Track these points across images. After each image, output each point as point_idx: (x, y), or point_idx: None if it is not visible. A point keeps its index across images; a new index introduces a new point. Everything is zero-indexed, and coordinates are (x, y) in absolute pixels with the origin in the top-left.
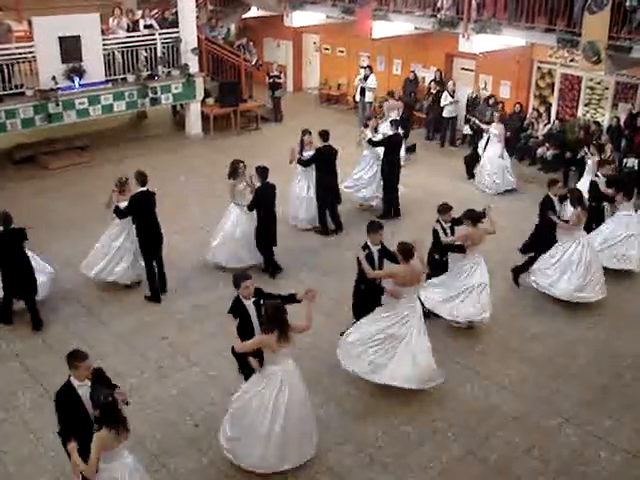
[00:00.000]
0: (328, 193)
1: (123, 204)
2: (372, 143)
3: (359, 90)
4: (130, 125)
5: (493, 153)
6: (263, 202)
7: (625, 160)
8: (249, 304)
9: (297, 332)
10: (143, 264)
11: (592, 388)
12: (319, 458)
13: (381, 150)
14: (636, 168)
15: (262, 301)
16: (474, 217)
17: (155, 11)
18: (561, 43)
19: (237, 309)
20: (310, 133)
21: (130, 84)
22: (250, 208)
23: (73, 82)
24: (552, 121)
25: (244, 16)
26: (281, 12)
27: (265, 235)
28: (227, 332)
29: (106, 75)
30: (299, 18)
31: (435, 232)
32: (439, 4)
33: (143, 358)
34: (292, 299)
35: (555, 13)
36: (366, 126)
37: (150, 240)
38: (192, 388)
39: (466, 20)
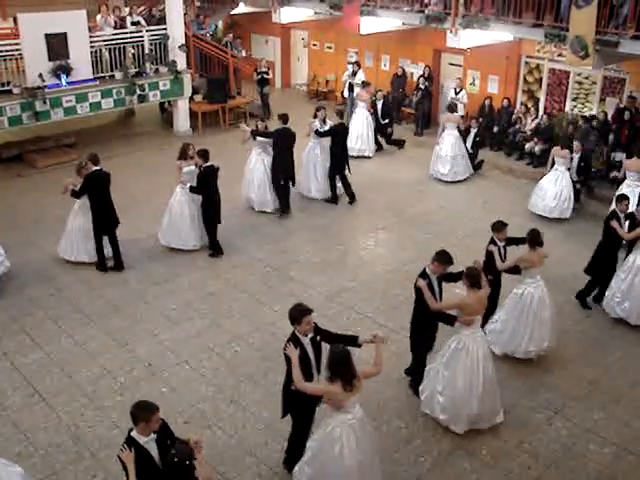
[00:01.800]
0: (282, 174)
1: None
2: (319, 134)
3: (347, 86)
4: (118, 123)
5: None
6: (206, 183)
7: (613, 154)
8: (307, 341)
9: (365, 378)
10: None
11: (581, 381)
12: None
13: (327, 142)
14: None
15: (318, 338)
16: (534, 241)
17: (142, 8)
18: (549, 38)
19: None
20: (264, 120)
21: (118, 81)
22: (193, 189)
23: (60, 80)
24: (540, 116)
25: (232, 12)
26: (269, 8)
27: (211, 213)
28: (294, 369)
29: (93, 72)
30: (287, 14)
31: (490, 254)
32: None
33: (132, 355)
34: (353, 342)
35: (542, 8)
36: (315, 117)
37: (102, 216)
38: (182, 385)
39: (453, 15)
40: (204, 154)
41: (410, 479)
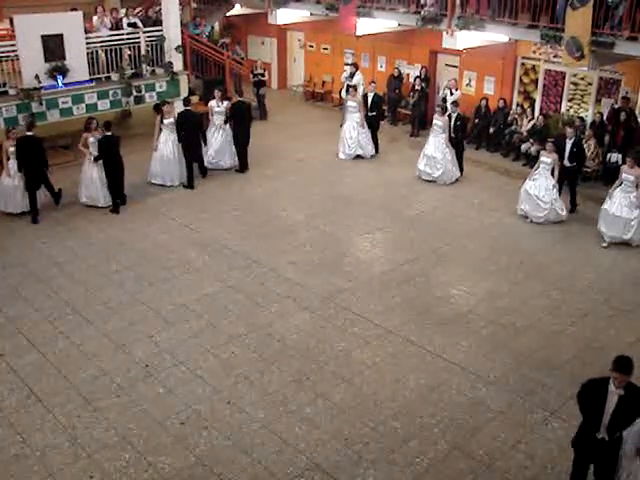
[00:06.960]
0: (191, 151)
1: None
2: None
3: (345, 88)
4: (114, 124)
5: (437, 143)
6: (107, 150)
7: (609, 155)
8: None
9: None
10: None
11: (577, 381)
12: (307, 455)
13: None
14: (620, 163)
15: None
16: None
17: (139, 9)
18: (544, 39)
19: None
20: (169, 103)
21: (114, 83)
22: (96, 158)
23: (56, 81)
24: (536, 117)
25: (228, 14)
26: (265, 9)
27: (113, 179)
28: None
29: (90, 74)
30: (283, 15)
31: None
32: (422, 1)
33: (129, 356)
34: None
35: (538, 9)
36: (213, 97)
37: (32, 175)
38: (178, 386)
39: (450, 16)
40: (106, 125)
41: None
